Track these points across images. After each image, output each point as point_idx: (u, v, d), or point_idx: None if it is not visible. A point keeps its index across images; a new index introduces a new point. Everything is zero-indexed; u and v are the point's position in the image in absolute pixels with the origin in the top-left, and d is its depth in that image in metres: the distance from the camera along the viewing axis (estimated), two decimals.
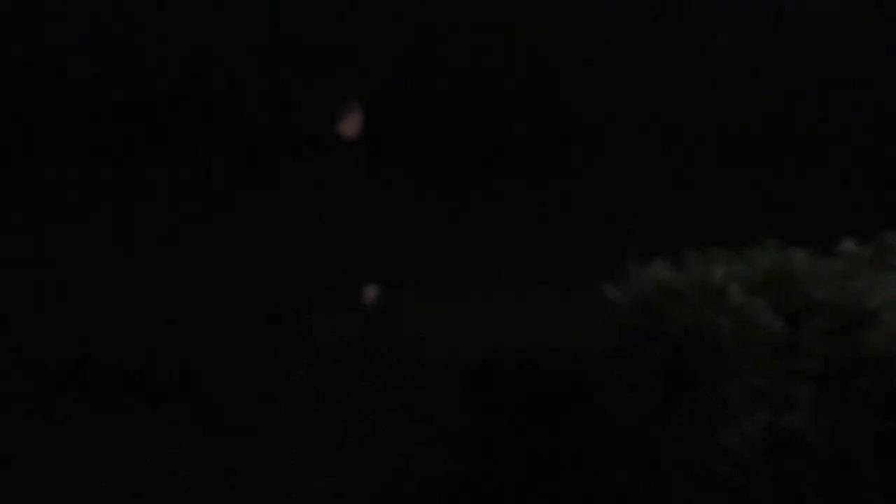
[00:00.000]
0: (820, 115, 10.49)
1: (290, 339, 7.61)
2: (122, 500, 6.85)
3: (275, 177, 7.86)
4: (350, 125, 7.61)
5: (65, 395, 8.10)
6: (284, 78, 9.45)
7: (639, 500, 5.96)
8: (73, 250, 9.51)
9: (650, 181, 9.89)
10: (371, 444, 7.48)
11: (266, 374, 7.55)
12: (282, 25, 9.89)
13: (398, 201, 7.92)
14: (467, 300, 9.48)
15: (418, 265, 9.04)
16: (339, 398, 8.06)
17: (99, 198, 9.84)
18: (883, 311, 5.75)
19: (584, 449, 6.63)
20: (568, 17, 10.81)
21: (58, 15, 10.35)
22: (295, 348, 7.65)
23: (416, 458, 7.29)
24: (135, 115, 10.05)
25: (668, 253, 6.63)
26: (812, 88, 10.58)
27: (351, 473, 7.10)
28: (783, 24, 10.79)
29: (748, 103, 10.42)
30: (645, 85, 10.49)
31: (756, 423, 5.56)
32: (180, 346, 8.35)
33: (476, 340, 8.69)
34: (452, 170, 9.79)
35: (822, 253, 6.35)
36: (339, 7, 9.73)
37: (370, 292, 7.84)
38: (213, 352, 8.03)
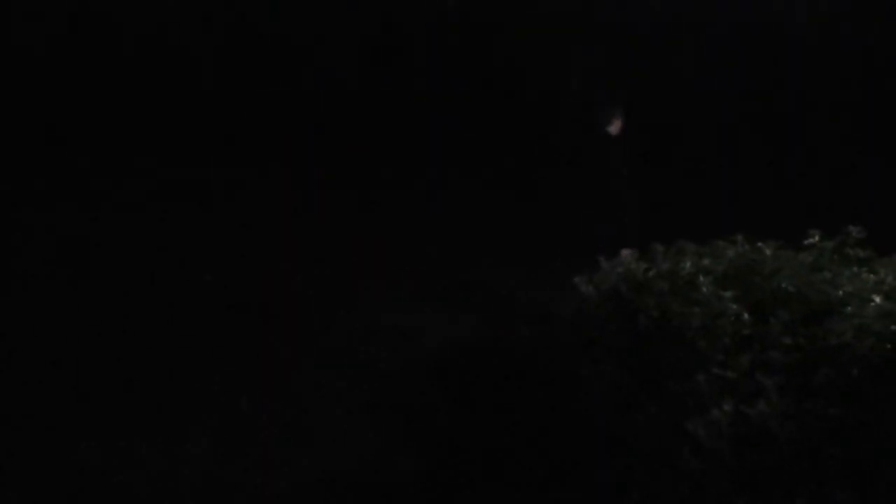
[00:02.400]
0: (788, 112, 10.61)
1: None
2: (94, 495, 6.88)
3: (559, 164, 9.99)
4: (615, 125, 9.53)
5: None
6: (569, 88, 11.15)
7: (607, 489, 6.02)
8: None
9: (622, 176, 9.97)
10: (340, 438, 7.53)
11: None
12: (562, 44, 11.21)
13: None
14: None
15: None
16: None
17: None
18: (846, 303, 5.83)
19: (555, 439, 6.68)
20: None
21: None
22: None
23: (385, 450, 7.34)
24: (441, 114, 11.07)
25: (638, 246, 6.70)
26: (780, 87, 10.71)
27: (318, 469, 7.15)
28: (759, 25, 10.93)
29: (719, 101, 10.54)
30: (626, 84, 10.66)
31: (723, 414, 5.62)
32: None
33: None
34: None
35: (789, 246, 6.42)
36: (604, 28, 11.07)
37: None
38: None
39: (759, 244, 6.44)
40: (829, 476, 5.43)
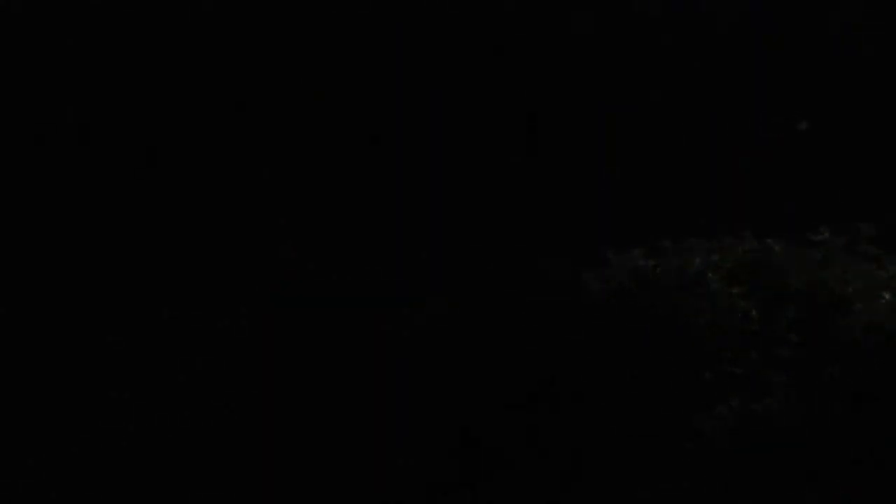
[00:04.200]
0: (795, 109, 10.61)
1: None
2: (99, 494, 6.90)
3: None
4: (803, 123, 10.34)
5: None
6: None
7: (612, 485, 6.00)
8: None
9: (628, 171, 9.95)
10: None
11: None
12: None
13: None
14: None
15: None
16: None
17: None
18: (855, 300, 5.81)
19: (557, 437, 6.66)
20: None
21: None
22: None
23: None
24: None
25: (646, 242, 6.66)
26: (785, 84, 10.72)
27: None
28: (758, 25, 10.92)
29: (728, 94, 10.52)
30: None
31: (730, 410, 5.62)
32: None
33: None
34: None
35: (798, 242, 6.40)
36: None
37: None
38: None
39: (768, 240, 6.40)
40: (835, 472, 5.42)
